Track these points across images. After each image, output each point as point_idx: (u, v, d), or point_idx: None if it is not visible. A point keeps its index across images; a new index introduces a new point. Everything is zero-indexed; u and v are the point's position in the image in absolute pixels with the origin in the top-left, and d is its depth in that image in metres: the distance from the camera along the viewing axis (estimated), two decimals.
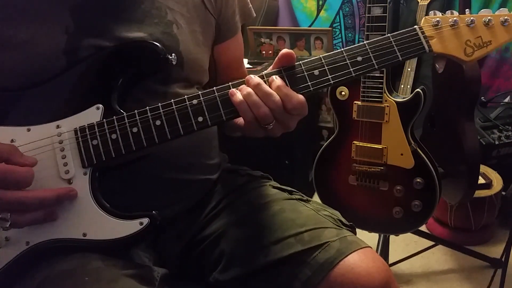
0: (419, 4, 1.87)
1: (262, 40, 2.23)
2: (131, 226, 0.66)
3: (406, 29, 0.69)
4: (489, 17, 0.68)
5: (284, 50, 0.67)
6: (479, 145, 1.62)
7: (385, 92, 1.23)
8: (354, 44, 2.59)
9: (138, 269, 0.70)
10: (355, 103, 1.27)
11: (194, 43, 0.80)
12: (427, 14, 1.84)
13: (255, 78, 0.66)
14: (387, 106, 1.23)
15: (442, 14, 0.69)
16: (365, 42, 0.68)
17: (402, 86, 1.75)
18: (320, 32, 2.13)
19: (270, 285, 0.74)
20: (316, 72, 0.67)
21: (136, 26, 0.73)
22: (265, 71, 0.68)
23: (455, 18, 0.68)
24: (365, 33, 1.20)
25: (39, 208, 0.63)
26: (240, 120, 0.73)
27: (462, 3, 1.31)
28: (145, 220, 0.66)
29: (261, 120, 0.65)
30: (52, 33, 0.68)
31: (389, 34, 0.68)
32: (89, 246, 0.66)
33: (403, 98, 1.23)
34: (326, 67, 0.67)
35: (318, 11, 2.32)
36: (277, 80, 0.65)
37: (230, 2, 0.87)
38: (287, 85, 0.66)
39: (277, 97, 0.64)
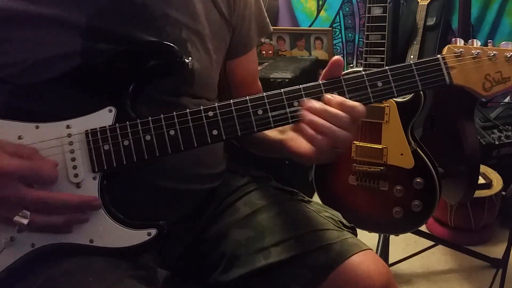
0: (419, 4, 1.88)
1: (262, 40, 2.23)
2: (139, 236, 0.66)
3: (429, 58, 0.67)
4: (511, 53, 0.66)
5: (335, 58, 0.65)
6: (479, 145, 1.62)
7: None
8: (354, 44, 2.58)
9: (142, 270, 0.70)
10: None
11: (207, 62, 0.78)
12: (426, 14, 1.84)
13: (317, 105, 0.63)
14: (387, 106, 1.23)
15: (465, 44, 0.68)
16: (387, 68, 0.66)
17: None
18: (320, 32, 2.13)
19: (271, 287, 0.75)
20: (335, 94, 0.66)
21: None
22: (283, 90, 0.66)
23: (478, 50, 0.67)
24: (365, 33, 1.20)
25: (60, 211, 0.62)
26: (299, 149, 0.66)
27: (462, 4, 1.31)
28: (153, 231, 0.66)
29: (340, 144, 0.63)
30: (67, 37, 0.67)
31: (411, 62, 0.67)
32: (95, 252, 0.66)
33: (403, 98, 1.23)
34: (345, 89, 0.66)
35: (318, 11, 2.31)
36: (335, 99, 0.63)
37: (246, 18, 0.85)
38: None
39: (343, 114, 0.62)
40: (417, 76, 0.66)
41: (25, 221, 0.59)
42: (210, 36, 0.78)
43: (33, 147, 0.64)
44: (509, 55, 0.67)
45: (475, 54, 0.67)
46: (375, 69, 0.67)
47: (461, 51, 0.67)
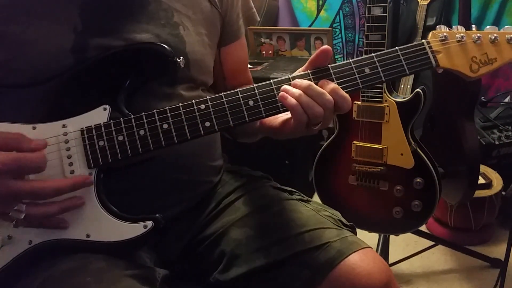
0: (419, 4, 1.87)
1: (262, 40, 2.23)
2: (135, 229, 0.66)
3: (414, 43, 0.69)
4: (495, 34, 0.69)
5: (324, 47, 0.68)
6: (479, 145, 1.62)
7: (385, 92, 1.23)
8: (354, 44, 2.57)
9: (140, 269, 0.70)
10: (355, 103, 1.27)
11: (200, 45, 0.80)
12: (427, 14, 1.84)
13: (303, 81, 0.66)
14: (387, 106, 1.23)
15: (449, 29, 0.70)
16: (373, 54, 0.69)
17: (402, 86, 1.75)
18: (320, 32, 2.13)
19: (271, 285, 0.75)
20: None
21: (144, 26, 0.73)
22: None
23: (462, 34, 0.69)
24: (365, 33, 1.20)
25: (54, 196, 0.62)
26: (273, 123, 0.73)
27: (462, 4, 1.31)
28: (149, 224, 0.66)
29: (313, 119, 0.65)
30: (60, 32, 0.68)
31: (397, 48, 0.69)
32: (92, 247, 0.66)
33: (403, 98, 1.23)
34: (333, 76, 0.68)
35: (318, 11, 2.32)
36: (329, 84, 0.66)
37: (234, 5, 0.88)
38: None
39: (329, 96, 0.65)
40: (403, 60, 0.68)
41: (21, 215, 0.59)
42: (202, 21, 0.81)
43: (18, 133, 0.63)
44: (493, 37, 0.69)
45: (459, 38, 0.69)
46: (362, 57, 0.69)
47: (445, 36, 0.69)
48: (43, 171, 0.62)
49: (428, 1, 1.86)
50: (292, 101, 0.64)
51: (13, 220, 0.60)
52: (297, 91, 0.65)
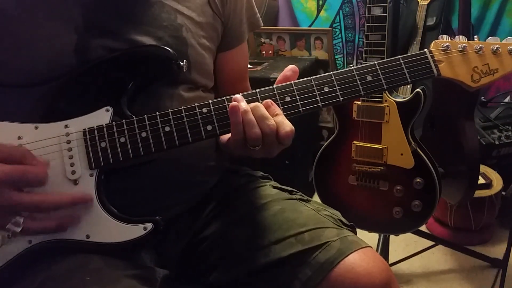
0: (419, 4, 1.88)
1: (262, 40, 2.23)
2: (135, 231, 0.66)
3: (416, 52, 0.70)
4: (497, 46, 0.69)
5: (290, 66, 0.69)
6: (479, 145, 1.62)
7: (385, 92, 1.23)
8: (354, 44, 2.57)
9: (140, 269, 0.70)
10: (355, 103, 1.27)
11: (201, 47, 0.80)
12: (427, 14, 1.85)
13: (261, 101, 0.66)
14: (387, 106, 1.23)
15: (451, 39, 0.71)
16: (375, 62, 0.70)
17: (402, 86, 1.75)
18: (320, 32, 2.13)
19: (271, 285, 0.74)
20: (326, 88, 0.69)
21: (146, 28, 0.73)
22: (275, 85, 0.69)
23: (464, 44, 0.70)
24: (365, 33, 1.20)
25: (54, 210, 0.63)
26: (227, 137, 0.73)
27: (462, 4, 1.31)
28: (149, 225, 0.67)
29: (250, 140, 0.65)
30: (62, 32, 0.68)
31: (399, 56, 0.70)
32: (92, 248, 0.66)
33: (403, 98, 1.23)
34: (335, 83, 0.68)
35: (318, 11, 2.32)
36: (274, 107, 0.66)
37: (238, 10, 0.87)
38: (295, 97, 0.68)
39: (272, 121, 0.64)
40: (405, 69, 0.70)
41: (18, 229, 0.59)
42: (203, 25, 0.81)
43: (24, 148, 0.64)
44: (495, 48, 0.70)
45: (462, 48, 0.70)
46: (364, 64, 0.70)
47: (447, 45, 0.70)
48: (44, 185, 0.62)
49: (428, 1, 1.86)
50: (237, 117, 0.64)
51: (8, 232, 0.60)
52: (245, 106, 0.64)
